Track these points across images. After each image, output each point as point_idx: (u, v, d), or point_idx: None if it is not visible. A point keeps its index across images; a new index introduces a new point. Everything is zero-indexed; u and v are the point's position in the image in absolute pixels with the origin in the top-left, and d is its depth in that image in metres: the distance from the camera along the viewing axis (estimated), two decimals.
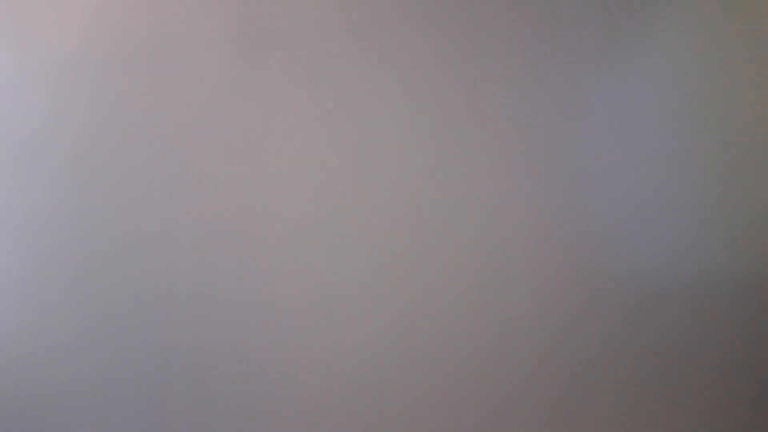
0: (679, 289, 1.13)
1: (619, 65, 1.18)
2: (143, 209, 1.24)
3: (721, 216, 1.13)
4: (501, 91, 1.19)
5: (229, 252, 1.21)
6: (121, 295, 1.22)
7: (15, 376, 1.23)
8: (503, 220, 1.17)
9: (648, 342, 1.13)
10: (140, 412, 1.20)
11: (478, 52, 1.20)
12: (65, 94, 1.29)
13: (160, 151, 1.25)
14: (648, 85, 1.17)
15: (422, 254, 1.18)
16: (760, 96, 1.15)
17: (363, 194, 1.20)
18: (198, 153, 1.25)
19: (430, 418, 1.15)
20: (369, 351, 1.17)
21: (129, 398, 1.20)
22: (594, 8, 1.19)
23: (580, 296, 1.14)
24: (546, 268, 1.15)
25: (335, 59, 1.23)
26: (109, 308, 1.22)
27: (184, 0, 1.29)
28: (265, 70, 1.25)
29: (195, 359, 1.20)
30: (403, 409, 1.15)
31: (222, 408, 1.18)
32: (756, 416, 1.10)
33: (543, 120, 1.18)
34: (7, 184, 1.28)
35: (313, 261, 1.20)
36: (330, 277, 1.19)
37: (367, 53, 1.23)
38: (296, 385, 1.18)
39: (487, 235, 1.17)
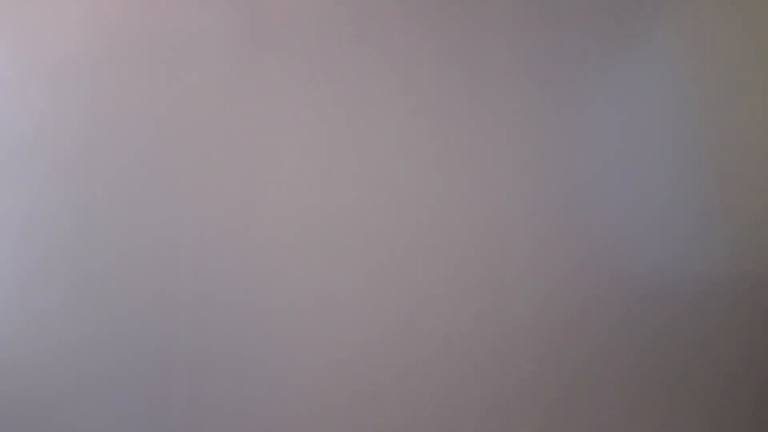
0: (679, 289, 1.13)
1: (620, 66, 1.18)
2: (143, 209, 1.24)
3: (721, 216, 1.13)
4: (502, 91, 1.19)
5: (229, 252, 1.21)
6: (121, 295, 1.22)
7: (15, 376, 1.23)
8: (504, 220, 1.17)
9: (648, 342, 1.13)
10: (140, 412, 1.20)
11: (479, 52, 1.20)
12: (65, 95, 1.29)
13: (160, 151, 1.25)
14: (649, 85, 1.17)
15: (422, 254, 1.18)
16: (760, 96, 1.15)
17: (363, 194, 1.20)
18: (198, 153, 1.25)
19: (430, 418, 1.15)
20: (369, 351, 1.17)
21: (129, 398, 1.20)
22: (595, 9, 1.19)
23: (580, 296, 1.14)
24: (546, 268, 1.15)
25: (335, 59, 1.23)
26: (109, 308, 1.22)
27: (184, 0, 1.29)
28: (266, 69, 1.25)
29: (195, 359, 1.20)
30: (403, 408, 1.15)
31: (222, 408, 1.18)
32: (756, 416, 1.10)
33: (544, 120, 1.18)
34: (8, 184, 1.28)
35: (313, 261, 1.19)
36: (330, 277, 1.19)
37: (367, 53, 1.23)
38: (296, 384, 1.17)
39: (488, 235, 1.17)
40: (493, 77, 1.20)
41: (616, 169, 1.16)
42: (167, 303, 1.21)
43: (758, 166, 1.14)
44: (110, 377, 1.21)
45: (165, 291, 1.22)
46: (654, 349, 1.12)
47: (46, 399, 1.22)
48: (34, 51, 1.32)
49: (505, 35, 1.20)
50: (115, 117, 1.27)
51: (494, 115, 1.19)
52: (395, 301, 1.17)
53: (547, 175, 1.17)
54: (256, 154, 1.23)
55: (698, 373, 1.11)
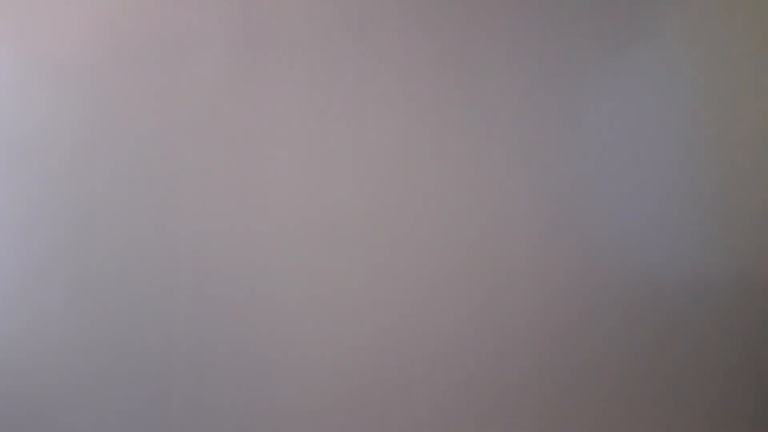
0: (679, 289, 1.13)
1: (619, 66, 1.18)
2: (143, 209, 1.24)
3: (721, 216, 1.13)
4: (501, 91, 1.19)
5: (229, 252, 1.21)
6: (121, 294, 1.22)
7: (15, 376, 1.23)
8: (503, 220, 1.17)
9: (648, 342, 1.13)
10: (140, 412, 1.20)
11: (479, 53, 1.21)
12: (65, 94, 1.29)
13: (160, 151, 1.25)
14: (648, 85, 1.17)
15: (422, 254, 1.18)
16: (760, 96, 1.15)
17: (363, 194, 1.20)
18: (198, 153, 1.25)
19: (430, 418, 1.15)
20: (369, 350, 1.17)
21: (129, 398, 1.20)
22: (595, 9, 1.19)
23: (579, 296, 1.14)
24: (545, 268, 1.15)
25: (335, 59, 1.23)
26: (109, 308, 1.22)
27: (185, 0, 1.29)
28: (266, 69, 1.25)
29: (195, 358, 1.20)
30: (403, 408, 1.15)
31: (222, 407, 1.18)
32: (756, 416, 1.10)
33: (543, 121, 1.18)
34: (8, 184, 1.28)
35: (313, 260, 1.19)
36: (330, 277, 1.19)
37: (367, 53, 1.23)
38: (296, 384, 1.17)
39: (487, 235, 1.17)
40: (494, 77, 1.20)
41: (615, 169, 1.16)
42: (168, 302, 1.21)
43: (758, 166, 1.14)
44: (110, 376, 1.21)
45: (165, 290, 1.22)
46: (653, 349, 1.12)
47: (46, 399, 1.22)
48: (34, 51, 1.32)
49: (505, 37, 1.20)
50: (116, 117, 1.27)
51: (494, 116, 1.19)
52: (394, 300, 1.17)
53: (547, 174, 1.17)
54: (256, 153, 1.23)
55: (698, 373, 1.11)
